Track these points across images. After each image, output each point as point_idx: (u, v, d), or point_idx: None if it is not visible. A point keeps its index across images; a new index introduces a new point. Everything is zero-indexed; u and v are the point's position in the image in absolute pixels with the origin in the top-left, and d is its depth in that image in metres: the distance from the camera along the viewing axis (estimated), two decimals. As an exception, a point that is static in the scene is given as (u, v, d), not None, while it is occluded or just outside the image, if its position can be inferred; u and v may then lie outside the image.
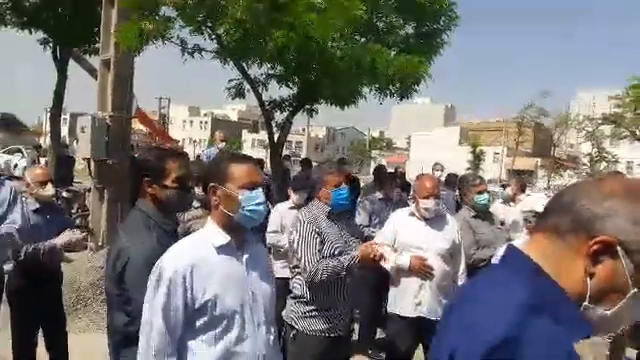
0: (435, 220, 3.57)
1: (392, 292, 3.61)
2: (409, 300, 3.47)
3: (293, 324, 2.91)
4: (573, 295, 0.91)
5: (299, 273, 2.92)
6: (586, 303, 0.91)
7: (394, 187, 5.60)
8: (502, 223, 4.79)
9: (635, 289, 0.88)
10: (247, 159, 1.96)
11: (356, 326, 4.74)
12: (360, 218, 5.23)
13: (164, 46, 5.44)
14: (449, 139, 59.88)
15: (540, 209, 3.18)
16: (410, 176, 9.30)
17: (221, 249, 1.83)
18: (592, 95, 67.11)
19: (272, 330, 1.94)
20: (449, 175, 8.11)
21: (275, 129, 6.95)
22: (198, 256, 1.78)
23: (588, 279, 0.90)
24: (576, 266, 0.90)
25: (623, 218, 0.88)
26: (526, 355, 0.81)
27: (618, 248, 0.87)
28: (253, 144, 64.74)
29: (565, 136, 55.78)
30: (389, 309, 3.62)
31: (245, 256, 1.88)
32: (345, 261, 2.84)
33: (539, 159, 52.51)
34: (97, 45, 8.05)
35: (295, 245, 2.91)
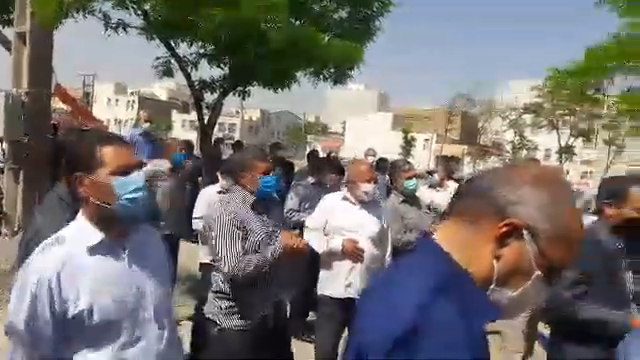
0: (367, 204, 3.62)
1: (323, 274, 3.63)
2: (340, 282, 3.51)
3: (215, 320, 2.74)
4: (481, 279, 0.95)
5: (219, 268, 2.74)
6: (493, 286, 0.95)
7: (327, 172, 5.62)
8: (428, 207, 4.97)
9: (539, 271, 0.92)
10: (114, 138, 1.69)
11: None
12: (291, 203, 5.21)
13: (85, 20, 5.11)
14: (382, 125, 61.14)
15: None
16: (345, 161, 9.40)
17: (94, 249, 1.60)
18: (519, 85, 70.68)
19: (167, 324, 1.77)
20: (380, 160, 8.27)
21: (206, 110, 6.76)
22: (66, 260, 1.54)
23: (495, 262, 0.94)
24: (486, 250, 0.94)
25: (532, 205, 0.92)
26: (426, 345, 0.83)
27: (524, 231, 0.92)
28: (183, 125, 62.73)
29: (490, 124, 58.67)
30: (319, 291, 3.65)
31: (127, 250, 1.67)
32: (268, 254, 2.67)
33: (466, 146, 54.88)
34: (12, 16, 7.43)
35: (214, 241, 2.71)
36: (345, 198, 3.66)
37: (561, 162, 43.32)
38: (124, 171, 1.61)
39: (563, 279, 2.56)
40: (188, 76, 6.46)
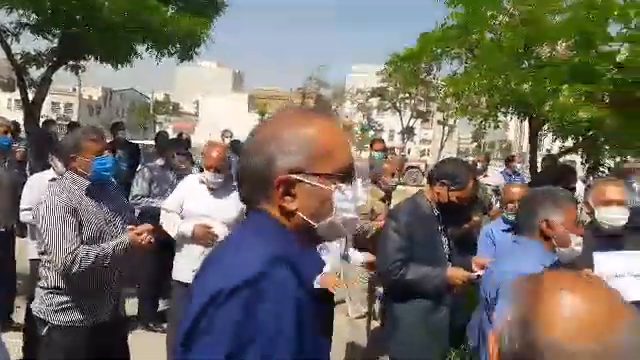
0: (223, 188, 3.52)
1: (176, 259, 3.50)
2: (190, 266, 3.39)
3: (45, 319, 2.49)
4: (302, 231, 0.98)
5: (49, 261, 2.47)
6: (315, 225, 0.98)
7: (176, 153, 5.35)
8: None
9: (334, 185, 0.97)
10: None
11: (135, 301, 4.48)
12: (137, 188, 4.87)
13: None
14: (238, 106, 60.46)
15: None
16: (200, 142, 9.06)
17: None
18: (367, 69, 74.91)
19: None
20: (233, 141, 8.15)
21: (31, 87, 5.94)
22: None
23: (300, 214, 0.96)
24: (288, 210, 0.97)
25: (283, 151, 0.95)
26: (257, 306, 0.84)
27: (294, 176, 0.95)
28: (9, 105, 54.73)
29: (342, 107, 61.62)
30: (173, 276, 3.52)
31: None
32: (109, 248, 2.47)
33: (320, 127, 56.84)
34: None
35: (43, 234, 2.44)
36: (202, 181, 3.52)
37: (403, 141, 47.33)
38: None
39: (390, 246, 2.84)
40: (8, 48, 5.60)
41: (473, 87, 4.49)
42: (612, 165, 6.04)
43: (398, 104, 47.18)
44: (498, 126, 5.31)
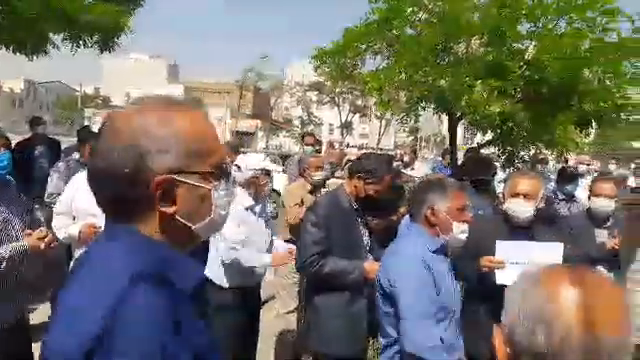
0: None
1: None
2: None
3: None
4: (177, 236, 0.92)
5: None
6: (194, 228, 0.93)
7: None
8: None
9: (212, 184, 0.92)
10: None
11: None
12: (52, 185, 4.60)
13: None
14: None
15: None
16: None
17: None
18: (304, 63, 74.77)
19: None
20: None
21: None
22: None
23: (179, 218, 0.90)
24: (163, 215, 0.89)
25: (155, 150, 0.86)
26: (122, 341, 0.77)
27: (175, 177, 0.87)
28: None
29: (281, 100, 61.25)
30: None
31: None
32: (5, 253, 2.34)
33: (259, 121, 56.39)
34: None
35: None
36: None
37: (342, 136, 47.81)
38: None
39: (308, 239, 2.87)
40: None
41: (393, 82, 4.61)
42: (527, 157, 6.39)
43: (336, 98, 47.54)
44: (418, 120, 5.49)
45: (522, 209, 2.73)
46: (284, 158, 11.31)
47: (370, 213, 5.10)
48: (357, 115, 48.49)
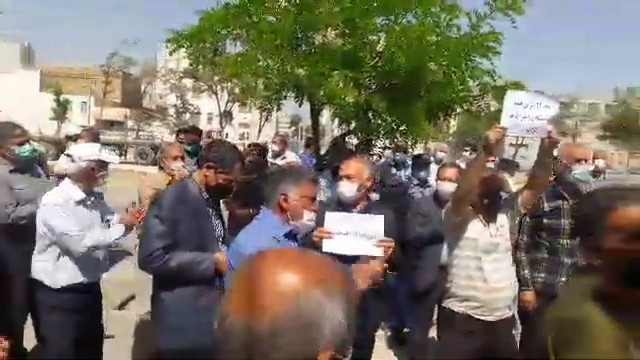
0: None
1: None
2: None
3: None
4: None
5: None
6: None
7: None
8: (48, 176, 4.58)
9: None
10: None
11: None
12: None
13: None
14: (28, 85, 52.67)
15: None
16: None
17: None
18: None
19: None
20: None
21: None
22: None
23: None
24: None
25: None
26: None
27: None
28: None
29: (153, 87, 58.18)
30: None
31: None
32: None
33: (128, 110, 53.01)
34: None
35: None
36: None
37: (222, 125, 46.79)
38: None
39: (152, 233, 2.76)
40: None
41: (250, 69, 4.55)
42: (388, 144, 6.74)
43: (214, 86, 46.32)
44: (280, 108, 5.50)
45: (346, 189, 3.00)
46: (155, 149, 10.69)
47: (237, 202, 5.06)
48: (237, 104, 47.81)
